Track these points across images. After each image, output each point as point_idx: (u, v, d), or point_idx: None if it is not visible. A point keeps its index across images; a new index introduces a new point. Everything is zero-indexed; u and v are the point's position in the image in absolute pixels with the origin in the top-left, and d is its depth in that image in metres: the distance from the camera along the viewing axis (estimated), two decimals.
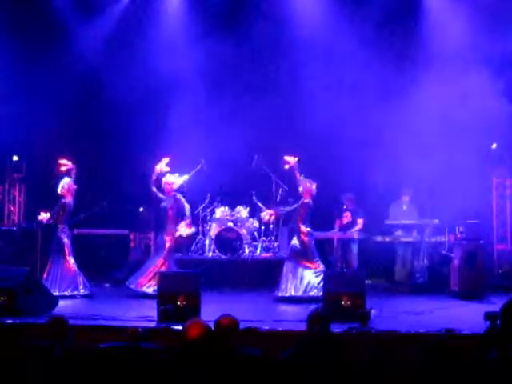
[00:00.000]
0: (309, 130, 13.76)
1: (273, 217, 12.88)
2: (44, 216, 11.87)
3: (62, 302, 10.19)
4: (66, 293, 11.43)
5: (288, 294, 11.17)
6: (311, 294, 11.06)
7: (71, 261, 11.68)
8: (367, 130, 13.21)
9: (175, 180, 11.95)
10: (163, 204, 11.94)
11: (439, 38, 13.48)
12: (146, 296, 11.29)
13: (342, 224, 13.27)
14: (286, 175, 13.98)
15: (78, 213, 13.81)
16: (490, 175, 13.73)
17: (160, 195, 11.89)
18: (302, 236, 11.45)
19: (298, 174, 11.52)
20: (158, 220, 12.58)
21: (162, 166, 11.85)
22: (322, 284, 10.50)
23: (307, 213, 11.52)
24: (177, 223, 11.96)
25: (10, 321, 8.75)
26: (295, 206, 11.59)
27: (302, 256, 11.40)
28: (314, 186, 11.50)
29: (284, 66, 14.15)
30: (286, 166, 11.62)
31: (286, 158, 11.59)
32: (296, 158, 11.55)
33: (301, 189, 11.48)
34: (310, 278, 11.22)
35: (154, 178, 11.83)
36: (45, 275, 11.54)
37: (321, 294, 10.23)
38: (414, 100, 12.86)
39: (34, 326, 8.02)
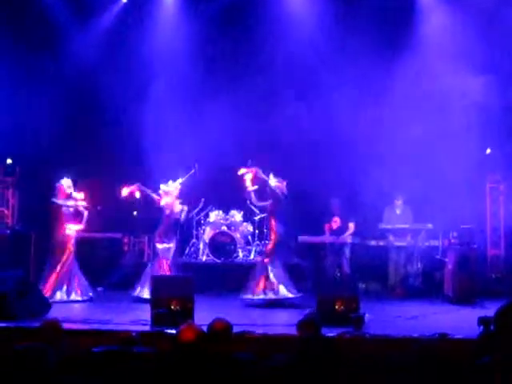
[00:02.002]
0: (302, 133, 13.77)
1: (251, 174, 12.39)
2: (78, 227, 11.82)
3: (55, 306, 10.17)
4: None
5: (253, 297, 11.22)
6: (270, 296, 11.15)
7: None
8: (361, 133, 13.22)
9: (173, 188, 11.95)
10: (167, 212, 11.98)
11: (433, 42, 13.50)
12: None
13: (331, 229, 13.25)
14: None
15: None
16: (484, 180, 13.76)
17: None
18: (271, 233, 11.53)
19: (263, 176, 11.49)
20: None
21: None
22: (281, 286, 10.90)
23: (280, 211, 11.56)
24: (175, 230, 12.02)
25: (3, 324, 8.72)
26: (269, 202, 11.55)
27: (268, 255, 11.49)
28: (284, 184, 11.51)
29: (276, 68, 14.13)
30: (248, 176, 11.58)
31: (242, 172, 11.60)
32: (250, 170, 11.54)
33: (271, 188, 11.48)
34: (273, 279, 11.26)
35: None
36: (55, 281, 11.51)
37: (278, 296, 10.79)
38: (408, 104, 12.89)
39: (27, 330, 8.00)
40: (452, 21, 13.39)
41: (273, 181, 11.54)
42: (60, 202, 11.61)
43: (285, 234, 14.14)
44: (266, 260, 11.43)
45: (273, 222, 11.61)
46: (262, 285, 11.23)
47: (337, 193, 13.40)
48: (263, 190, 11.72)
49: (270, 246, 11.60)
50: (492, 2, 12.92)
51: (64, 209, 11.63)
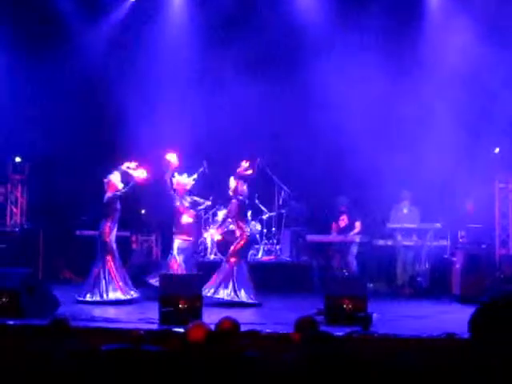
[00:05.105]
0: (313, 132, 13.76)
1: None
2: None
3: (63, 304, 10.18)
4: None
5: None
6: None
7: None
8: (369, 133, 13.17)
9: (187, 181, 11.85)
10: (176, 204, 11.83)
11: (444, 39, 13.45)
12: None
13: (339, 227, 13.24)
14: (289, 177, 14.04)
15: (79, 215, 13.85)
16: (493, 180, 13.71)
17: (173, 193, 11.74)
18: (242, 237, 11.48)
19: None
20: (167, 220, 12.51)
21: (173, 159, 11.66)
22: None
23: (246, 212, 11.66)
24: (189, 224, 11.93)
25: (11, 322, 8.75)
26: (233, 205, 11.52)
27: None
28: (244, 187, 11.49)
29: (289, 68, 14.11)
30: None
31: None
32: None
33: (231, 192, 11.47)
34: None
35: (169, 175, 11.66)
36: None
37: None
38: (416, 105, 12.87)
39: (35, 328, 8.02)
40: (462, 20, 13.35)
41: (233, 183, 11.50)
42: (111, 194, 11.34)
43: (294, 233, 14.22)
44: (231, 260, 11.37)
45: (241, 224, 11.51)
46: (219, 283, 11.20)
47: (345, 192, 13.41)
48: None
49: (237, 247, 11.46)
50: None
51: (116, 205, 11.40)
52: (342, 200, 13.28)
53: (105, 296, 11.01)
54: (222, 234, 13.70)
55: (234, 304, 10.96)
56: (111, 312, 10.03)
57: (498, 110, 12.61)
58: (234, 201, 11.47)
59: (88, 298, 11.03)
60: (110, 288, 11.07)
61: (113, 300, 10.98)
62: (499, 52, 12.64)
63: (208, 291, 10.96)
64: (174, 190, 11.75)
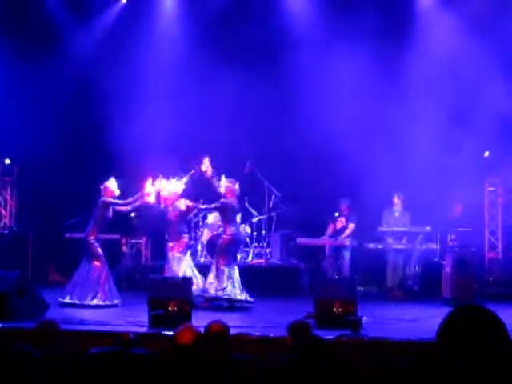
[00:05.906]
0: (303, 135, 13.76)
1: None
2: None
3: (52, 307, 10.14)
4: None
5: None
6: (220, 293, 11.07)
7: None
8: (359, 135, 13.19)
9: (177, 188, 11.75)
10: (169, 209, 11.73)
11: (433, 44, 13.51)
12: None
13: (335, 229, 13.24)
14: (278, 180, 14.03)
15: (69, 217, 13.81)
16: (483, 183, 13.76)
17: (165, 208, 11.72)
18: (226, 236, 11.40)
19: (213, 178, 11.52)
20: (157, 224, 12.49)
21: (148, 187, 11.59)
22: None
23: (233, 213, 11.50)
24: (181, 229, 11.85)
25: (0, 324, 8.71)
26: (216, 204, 11.45)
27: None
28: (236, 186, 11.44)
29: (279, 68, 14.11)
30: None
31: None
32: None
33: (223, 189, 11.41)
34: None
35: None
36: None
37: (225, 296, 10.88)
38: (408, 107, 12.90)
39: (24, 330, 7.98)
40: (451, 23, 13.40)
41: (224, 182, 11.46)
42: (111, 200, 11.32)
43: (284, 236, 14.21)
44: (220, 260, 11.31)
45: (225, 223, 11.47)
46: (211, 282, 11.15)
47: (336, 195, 13.40)
48: (215, 192, 11.65)
49: (220, 247, 11.39)
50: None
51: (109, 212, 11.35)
52: (343, 202, 13.27)
53: (83, 300, 10.97)
54: (211, 237, 13.71)
55: (229, 307, 10.97)
56: (100, 315, 9.99)
57: (488, 113, 12.64)
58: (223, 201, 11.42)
59: (67, 299, 11.01)
60: (92, 293, 11.04)
61: (91, 305, 10.94)
62: (493, 51, 12.70)
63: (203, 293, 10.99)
64: (164, 204, 11.68)
